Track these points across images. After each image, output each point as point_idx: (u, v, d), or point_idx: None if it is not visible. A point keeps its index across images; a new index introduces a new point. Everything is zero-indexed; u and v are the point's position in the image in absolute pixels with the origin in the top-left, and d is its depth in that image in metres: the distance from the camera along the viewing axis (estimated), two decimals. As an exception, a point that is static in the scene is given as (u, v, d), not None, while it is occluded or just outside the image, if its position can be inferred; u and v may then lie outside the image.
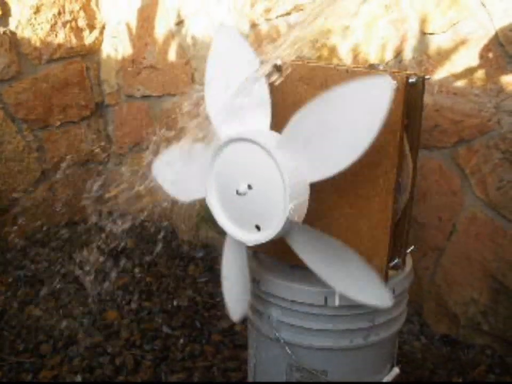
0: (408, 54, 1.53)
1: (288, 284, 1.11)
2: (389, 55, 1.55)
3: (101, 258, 1.99)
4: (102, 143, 2.23)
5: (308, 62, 1.12)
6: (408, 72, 1.07)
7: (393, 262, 1.14)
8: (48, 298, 1.81)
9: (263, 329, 1.17)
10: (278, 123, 1.06)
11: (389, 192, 1.03)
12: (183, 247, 2.18)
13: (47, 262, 1.98)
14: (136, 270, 2.00)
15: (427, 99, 1.50)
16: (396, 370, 1.24)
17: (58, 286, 1.87)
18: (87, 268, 1.95)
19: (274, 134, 1.04)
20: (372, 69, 1.09)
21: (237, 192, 1.04)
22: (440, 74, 1.48)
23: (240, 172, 1.04)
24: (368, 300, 1.03)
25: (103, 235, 2.04)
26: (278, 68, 1.10)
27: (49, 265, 1.97)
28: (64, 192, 2.16)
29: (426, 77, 1.07)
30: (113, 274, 1.95)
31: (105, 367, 1.54)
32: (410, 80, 1.01)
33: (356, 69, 1.05)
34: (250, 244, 1.06)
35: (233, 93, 1.03)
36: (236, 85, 1.03)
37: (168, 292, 1.89)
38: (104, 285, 1.90)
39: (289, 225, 1.00)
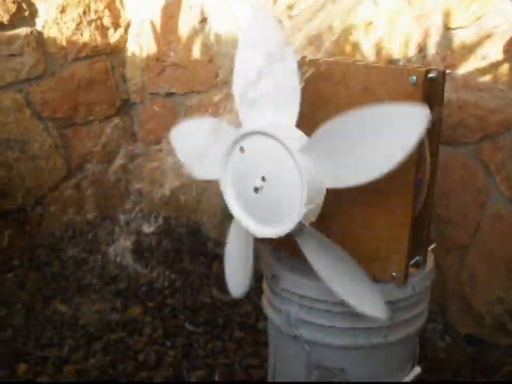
0: (431, 50, 1.50)
1: (307, 281, 1.10)
2: (412, 51, 1.53)
3: (127, 256, 2.02)
4: (128, 141, 2.25)
5: (326, 58, 1.11)
6: (428, 67, 1.06)
7: (414, 260, 1.12)
8: (73, 294, 1.83)
9: (282, 326, 1.17)
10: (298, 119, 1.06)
11: (408, 189, 1.02)
12: (207, 244, 2.19)
13: (73, 258, 2.01)
14: (161, 267, 2.02)
15: (451, 95, 1.48)
16: (417, 369, 1.23)
17: (83, 282, 1.89)
18: (113, 265, 1.98)
19: (299, 133, 1.02)
20: (391, 64, 1.07)
21: (254, 188, 1.04)
22: (464, 69, 1.45)
23: (259, 165, 1.04)
24: (365, 310, 1.03)
25: (129, 232, 2.07)
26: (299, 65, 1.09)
27: (75, 261, 1.99)
28: (90, 189, 2.18)
29: (447, 71, 1.06)
30: (138, 271, 1.98)
31: (128, 363, 1.55)
32: (429, 75, 0.99)
33: (374, 64, 1.04)
34: (259, 236, 1.07)
35: (256, 76, 1.02)
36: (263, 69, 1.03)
37: (192, 289, 1.90)
38: (128, 281, 1.93)
39: (300, 227, 1.00)
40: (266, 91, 1.02)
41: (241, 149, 1.05)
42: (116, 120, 2.22)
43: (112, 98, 2.22)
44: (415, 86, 0.97)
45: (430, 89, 1.02)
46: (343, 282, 1.03)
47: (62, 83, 2.06)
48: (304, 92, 1.09)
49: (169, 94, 2.17)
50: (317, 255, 1.04)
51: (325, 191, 1.00)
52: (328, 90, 1.07)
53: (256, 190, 1.03)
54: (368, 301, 1.03)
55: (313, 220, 1.02)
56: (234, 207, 1.09)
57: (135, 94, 2.28)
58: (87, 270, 1.94)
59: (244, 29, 1.12)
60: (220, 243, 2.17)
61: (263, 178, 1.02)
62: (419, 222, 1.10)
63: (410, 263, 1.12)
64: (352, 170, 0.95)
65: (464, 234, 1.55)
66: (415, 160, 1.00)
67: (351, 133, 0.92)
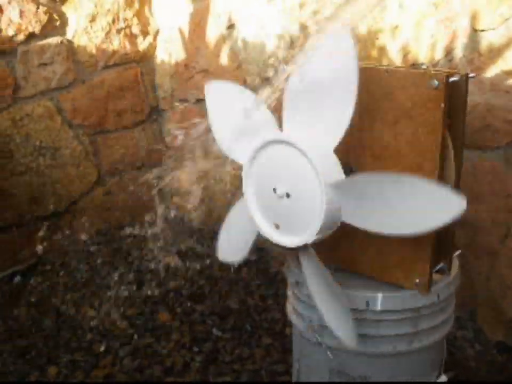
0: (458, 52, 1.48)
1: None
2: (439, 54, 1.51)
3: (155, 262, 2.04)
4: (157, 147, 2.27)
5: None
6: (450, 70, 1.04)
7: (438, 267, 1.11)
8: (103, 299, 1.86)
9: (305, 333, 1.17)
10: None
11: (431, 195, 1.01)
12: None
13: (104, 264, 2.04)
14: (190, 272, 2.03)
15: (478, 98, 1.45)
16: (444, 378, 1.21)
17: (113, 287, 1.92)
18: (142, 269, 2.01)
19: (335, 162, 1.00)
20: (414, 68, 1.06)
21: (274, 191, 1.04)
22: (492, 72, 1.43)
23: (284, 176, 1.03)
24: (340, 334, 1.05)
25: (158, 238, 2.09)
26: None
27: (105, 267, 2.02)
28: (121, 195, 2.21)
29: (471, 75, 1.04)
30: (167, 277, 2.00)
31: (155, 367, 1.57)
32: (451, 79, 0.98)
33: (395, 69, 1.03)
34: (267, 238, 1.09)
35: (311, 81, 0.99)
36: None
37: (220, 295, 1.90)
38: (158, 287, 1.95)
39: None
40: (321, 101, 0.99)
41: (273, 151, 1.04)
42: (145, 127, 2.25)
43: (141, 105, 2.25)
44: (436, 90, 0.96)
45: (453, 93, 1.00)
46: (324, 303, 1.06)
47: (92, 91, 2.09)
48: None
49: (198, 100, 2.18)
50: (309, 272, 1.07)
51: (339, 223, 1.01)
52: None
53: (277, 196, 1.03)
54: (343, 327, 1.05)
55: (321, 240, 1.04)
56: (252, 203, 1.10)
57: (164, 101, 2.30)
58: (117, 275, 1.96)
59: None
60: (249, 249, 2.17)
61: (288, 195, 1.03)
62: (443, 229, 1.09)
63: (435, 270, 1.10)
64: (374, 222, 0.95)
65: (493, 239, 1.52)
66: (438, 165, 0.99)
67: (386, 193, 0.92)
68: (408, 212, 0.91)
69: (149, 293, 1.89)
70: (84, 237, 2.15)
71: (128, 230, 2.18)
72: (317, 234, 1.00)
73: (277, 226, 1.07)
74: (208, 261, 2.07)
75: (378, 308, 1.07)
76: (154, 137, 2.28)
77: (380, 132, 1.04)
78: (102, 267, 2.02)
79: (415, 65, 1.05)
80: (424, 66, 1.05)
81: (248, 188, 1.10)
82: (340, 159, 1.00)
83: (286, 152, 1.02)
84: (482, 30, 1.44)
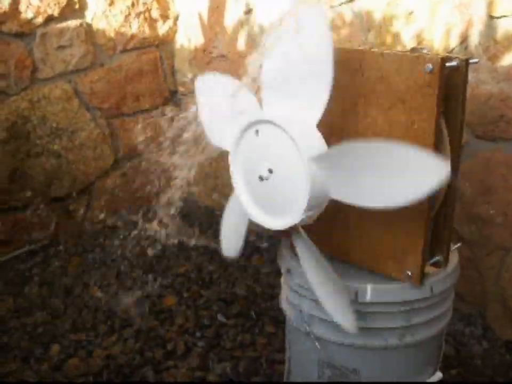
0: (474, 40, 1.43)
1: (319, 276, 1.07)
2: (454, 42, 1.46)
3: (167, 246, 2.04)
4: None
5: (342, 46, 1.07)
6: (449, 55, 1.00)
7: (434, 259, 1.07)
8: (111, 281, 1.87)
9: (296, 322, 1.15)
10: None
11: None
12: (248, 236, 2.17)
13: (116, 247, 2.05)
14: (200, 258, 2.02)
15: (493, 87, 1.40)
16: (439, 375, 1.17)
17: (123, 270, 1.93)
18: (152, 254, 2.01)
19: (318, 137, 0.98)
20: (413, 52, 1.02)
21: (259, 176, 1.02)
22: (508, 60, 1.37)
23: (269, 155, 1.02)
24: (338, 319, 1.03)
25: (172, 223, 2.09)
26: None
27: (117, 249, 2.03)
28: (137, 179, 2.22)
29: (472, 60, 1.00)
30: (177, 261, 2.00)
31: (156, 351, 1.57)
32: (448, 64, 0.94)
33: (391, 52, 1.00)
34: (255, 221, 1.08)
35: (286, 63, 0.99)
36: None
37: (228, 281, 1.89)
38: (166, 270, 1.95)
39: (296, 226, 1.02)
40: (297, 77, 0.98)
41: (256, 132, 1.03)
42: (164, 111, 2.24)
43: (160, 89, 2.25)
44: (431, 74, 0.93)
45: (451, 79, 0.97)
46: (322, 287, 1.02)
47: (110, 74, 2.10)
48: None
49: (216, 86, 2.17)
50: (304, 256, 1.04)
51: (327, 200, 0.98)
52: (344, 79, 1.03)
53: (261, 178, 1.01)
54: (341, 311, 1.02)
55: (312, 221, 1.01)
56: (240, 189, 1.08)
57: (182, 85, 2.29)
58: (128, 258, 1.97)
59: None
60: (261, 236, 2.16)
61: (270, 171, 1.00)
62: (439, 220, 1.05)
63: (430, 262, 1.07)
64: (361, 194, 0.93)
65: (505, 234, 1.46)
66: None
67: (370, 161, 0.89)
68: (393, 179, 0.88)
69: (158, 276, 1.89)
70: (98, 219, 2.17)
71: (143, 213, 2.19)
72: (304, 212, 0.97)
73: (266, 209, 1.05)
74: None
75: (368, 299, 1.04)
76: (173, 121, 2.28)
77: (374, 118, 1.01)
78: (113, 249, 2.03)
79: (414, 49, 1.01)
80: (424, 51, 1.01)
81: (235, 173, 1.09)
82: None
83: (268, 132, 1.00)
84: (499, 17, 1.38)
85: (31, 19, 1.91)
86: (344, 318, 1.02)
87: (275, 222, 1.03)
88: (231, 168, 1.08)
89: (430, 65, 0.92)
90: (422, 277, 1.02)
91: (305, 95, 0.96)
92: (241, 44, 2.03)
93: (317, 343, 1.10)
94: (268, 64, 1.01)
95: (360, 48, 1.03)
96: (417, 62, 0.94)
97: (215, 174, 2.24)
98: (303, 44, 0.95)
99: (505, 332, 1.52)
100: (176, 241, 2.07)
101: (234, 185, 1.09)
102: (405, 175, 0.87)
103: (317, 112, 0.95)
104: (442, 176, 0.83)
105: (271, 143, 1.00)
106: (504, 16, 1.37)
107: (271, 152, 1.01)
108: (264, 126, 1.00)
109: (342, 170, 0.92)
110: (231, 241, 1.25)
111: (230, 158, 1.07)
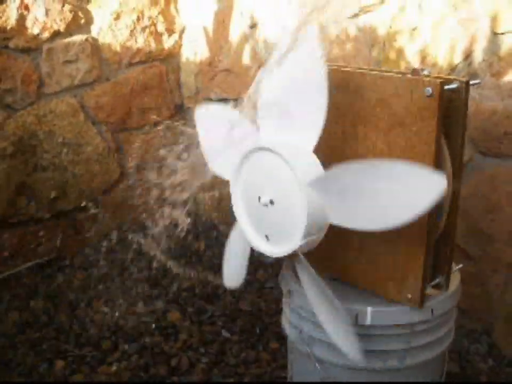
0: (478, 56, 1.42)
1: (319, 298, 1.07)
2: (458, 57, 1.45)
3: (171, 260, 2.04)
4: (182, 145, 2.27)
5: (341, 67, 1.07)
6: (451, 77, 1.00)
7: (434, 281, 1.07)
8: (116, 296, 1.87)
9: (297, 342, 1.14)
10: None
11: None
12: (254, 251, 2.17)
13: (120, 260, 2.05)
14: (205, 272, 2.02)
15: (497, 104, 1.39)
16: (441, 395, 1.17)
17: (128, 285, 1.93)
18: (158, 268, 2.01)
19: (314, 161, 0.99)
20: (414, 73, 1.02)
21: (259, 200, 1.02)
22: (511, 77, 1.36)
23: (267, 182, 1.02)
24: (342, 346, 1.01)
25: (176, 238, 2.09)
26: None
27: (122, 264, 2.03)
28: (143, 193, 2.22)
29: (473, 82, 0.99)
30: (181, 277, 2.00)
31: (160, 367, 1.57)
32: (448, 86, 0.94)
33: (390, 75, 0.99)
34: (256, 250, 1.09)
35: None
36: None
37: (233, 296, 1.89)
38: (171, 285, 1.95)
39: (296, 253, 1.01)
40: (291, 105, 0.99)
41: (255, 160, 1.03)
42: (170, 125, 2.25)
43: (166, 103, 2.25)
44: (430, 98, 0.92)
45: (451, 101, 0.96)
46: (323, 313, 1.02)
47: (116, 88, 2.11)
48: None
49: (222, 100, 2.17)
50: (305, 281, 1.04)
51: (327, 225, 0.97)
52: (344, 101, 1.04)
53: (263, 205, 1.02)
54: (347, 342, 1.01)
55: (311, 248, 1.00)
56: (242, 217, 1.08)
57: (188, 99, 2.30)
58: (133, 272, 1.98)
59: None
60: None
61: (271, 201, 1.01)
62: (440, 242, 1.04)
63: (431, 284, 1.06)
64: (359, 216, 0.93)
65: (510, 252, 1.45)
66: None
67: (366, 182, 0.89)
68: (390, 198, 0.88)
69: (163, 292, 1.89)
70: (104, 233, 2.17)
71: (148, 228, 2.19)
72: (303, 238, 0.97)
73: (267, 237, 1.05)
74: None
75: (368, 322, 1.03)
76: (179, 135, 2.28)
77: (374, 141, 1.01)
78: (119, 264, 2.03)
79: (415, 70, 1.00)
80: (425, 72, 1.00)
81: (236, 201, 1.09)
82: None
83: (265, 160, 1.01)
84: (503, 33, 1.38)
85: (38, 34, 1.92)
86: (346, 344, 1.01)
87: (276, 250, 1.04)
88: (232, 197, 1.09)
89: (429, 89, 0.92)
90: (422, 300, 1.02)
91: (300, 122, 0.97)
92: (245, 58, 2.03)
93: (317, 364, 1.09)
94: (264, 93, 1.02)
95: (360, 70, 1.03)
96: (416, 86, 0.94)
97: (219, 187, 2.24)
98: (297, 73, 0.97)
99: (511, 350, 1.51)
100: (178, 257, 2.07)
101: (236, 213, 1.09)
102: (402, 192, 0.87)
103: (313, 137, 0.96)
104: (440, 190, 0.83)
105: (269, 170, 1.00)
106: (508, 32, 1.36)
107: (270, 179, 1.01)
108: (261, 153, 1.01)
109: (339, 193, 0.92)
110: (233, 272, 1.25)
111: (231, 186, 1.08)
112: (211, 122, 1.19)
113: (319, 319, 1.03)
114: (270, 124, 1.04)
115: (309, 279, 1.03)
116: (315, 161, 0.97)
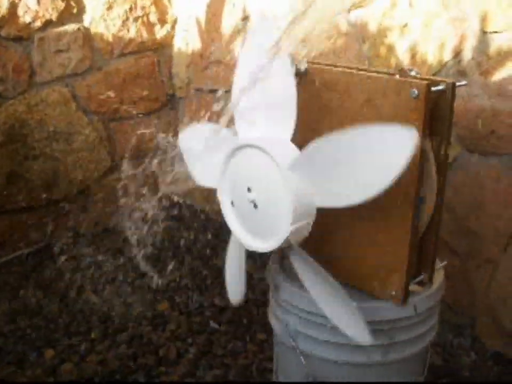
0: (467, 54, 1.43)
1: (305, 293, 1.08)
2: (447, 55, 1.46)
3: (162, 250, 2.05)
4: (172, 135, 2.28)
5: (329, 66, 1.08)
6: (437, 78, 1.01)
7: (418, 278, 1.08)
8: (106, 286, 1.89)
9: (282, 336, 1.16)
10: (301, 128, 1.04)
11: (408, 206, 0.98)
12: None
13: (111, 250, 2.06)
14: (196, 262, 2.04)
15: (485, 103, 1.41)
16: (422, 389, 1.19)
17: (118, 274, 1.94)
18: (147, 257, 2.02)
19: (292, 148, 1.02)
20: (401, 73, 1.03)
21: (251, 200, 1.04)
22: (499, 76, 1.38)
23: (252, 178, 1.03)
24: (348, 331, 1.02)
25: (168, 226, 2.10)
26: (302, 72, 1.07)
27: (113, 253, 2.04)
28: (133, 182, 2.23)
29: (460, 83, 1.00)
30: (172, 266, 2.01)
31: (148, 356, 1.59)
32: (434, 88, 0.95)
33: (378, 75, 1.00)
34: (249, 249, 1.09)
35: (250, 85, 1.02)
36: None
37: (221, 286, 1.90)
38: (161, 276, 1.96)
39: (288, 244, 1.01)
40: (262, 101, 1.01)
41: (236, 161, 1.06)
42: (161, 115, 2.26)
43: (157, 93, 2.26)
44: (416, 99, 0.93)
45: (437, 102, 0.97)
46: (328, 302, 1.02)
47: (108, 78, 2.11)
48: (309, 100, 1.07)
49: (213, 91, 2.18)
50: (304, 273, 1.04)
51: (315, 210, 0.99)
52: (332, 101, 1.05)
53: (254, 204, 1.03)
54: (351, 324, 1.01)
55: (304, 237, 1.02)
56: (230, 218, 1.09)
57: (180, 90, 2.30)
58: (123, 262, 1.99)
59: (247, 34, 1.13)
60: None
61: (249, 189, 1.02)
62: (424, 239, 1.06)
63: (415, 281, 1.08)
64: (343, 191, 0.94)
65: (495, 248, 1.48)
66: (416, 177, 0.96)
67: (341, 152, 0.91)
68: (367, 163, 0.89)
69: (152, 281, 1.91)
70: (95, 222, 2.18)
71: (138, 217, 2.20)
72: (292, 224, 0.97)
73: (257, 234, 1.06)
74: (214, 252, 2.08)
75: (352, 317, 1.05)
76: (170, 125, 2.29)
77: (361, 140, 1.02)
78: (109, 253, 2.04)
79: (403, 70, 1.01)
80: (413, 73, 1.01)
81: (224, 203, 1.11)
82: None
83: (246, 157, 1.03)
84: (492, 32, 1.39)
85: (29, 23, 1.92)
86: (350, 325, 1.02)
87: (267, 245, 1.04)
88: (220, 199, 1.10)
89: (415, 91, 0.93)
90: (406, 297, 1.04)
91: (274, 116, 1.04)
92: (237, 50, 2.03)
93: (302, 358, 1.11)
94: (242, 103, 1.06)
95: (348, 70, 1.04)
96: (403, 87, 0.95)
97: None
98: (271, 89, 1.03)
99: (493, 344, 1.54)
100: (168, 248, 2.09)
101: (224, 216, 1.10)
102: (377, 153, 0.88)
103: (289, 127, 1.02)
104: (413, 144, 0.85)
105: (251, 167, 1.03)
106: (496, 32, 1.37)
107: (253, 175, 1.03)
108: (242, 152, 1.03)
109: (319, 172, 0.94)
110: (235, 286, 1.27)
111: (217, 190, 1.09)
112: (193, 142, 1.22)
113: (319, 306, 1.03)
114: (247, 124, 1.08)
115: (306, 265, 1.04)
116: (293, 147, 1.01)
